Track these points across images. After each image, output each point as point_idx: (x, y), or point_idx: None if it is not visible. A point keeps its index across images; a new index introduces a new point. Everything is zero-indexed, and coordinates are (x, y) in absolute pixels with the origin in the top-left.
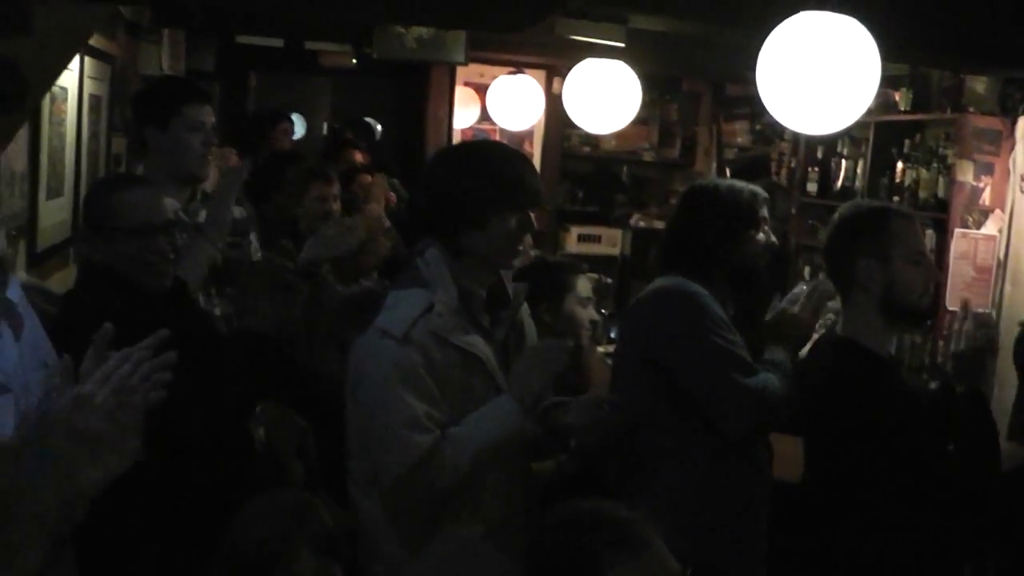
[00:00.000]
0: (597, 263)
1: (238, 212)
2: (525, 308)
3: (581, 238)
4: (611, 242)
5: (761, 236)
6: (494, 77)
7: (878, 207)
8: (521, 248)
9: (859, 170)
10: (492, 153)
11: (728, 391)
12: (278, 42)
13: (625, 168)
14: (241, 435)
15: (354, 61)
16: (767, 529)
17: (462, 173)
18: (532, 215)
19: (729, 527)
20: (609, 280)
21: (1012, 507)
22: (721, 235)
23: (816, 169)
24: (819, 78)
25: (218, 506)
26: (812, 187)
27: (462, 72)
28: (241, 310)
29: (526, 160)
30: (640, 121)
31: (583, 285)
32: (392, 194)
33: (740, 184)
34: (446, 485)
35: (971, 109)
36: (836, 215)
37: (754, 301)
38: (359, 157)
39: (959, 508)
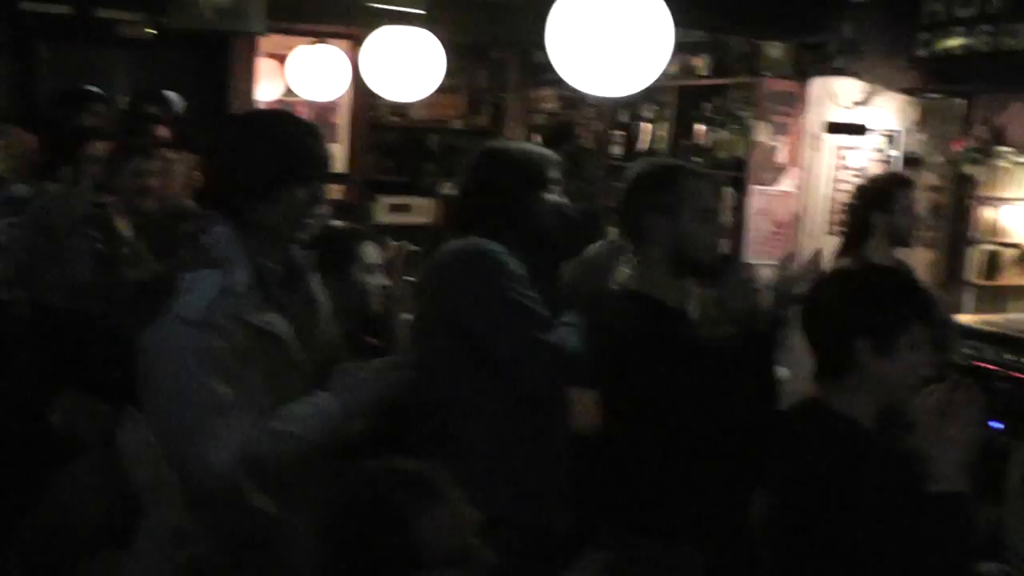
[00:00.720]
0: (408, 232)
1: (24, 190)
2: (316, 279)
3: (392, 208)
4: (422, 211)
5: (551, 197)
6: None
7: (668, 165)
8: (312, 221)
9: (663, 133)
10: (276, 123)
11: (527, 346)
12: (67, 9)
13: (435, 137)
14: (36, 423)
15: (151, 31)
16: (569, 480)
17: (246, 145)
18: (322, 185)
19: (526, 480)
20: (416, 248)
21: (791, 442)
22: (511, 196)
23: (621, 132)
24: (608, 42)
25: (11, 500)
26: (617, 150)
27: (265, 43)
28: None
29: (313, 129)
30: (448, 89)
31: (370, 252)
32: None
33: (531, 146)
34: (262, 474)
35: (767, 73)
36: (627, 172)
37: (546, 261)
38: (163, 132)
39: (741, 445)
